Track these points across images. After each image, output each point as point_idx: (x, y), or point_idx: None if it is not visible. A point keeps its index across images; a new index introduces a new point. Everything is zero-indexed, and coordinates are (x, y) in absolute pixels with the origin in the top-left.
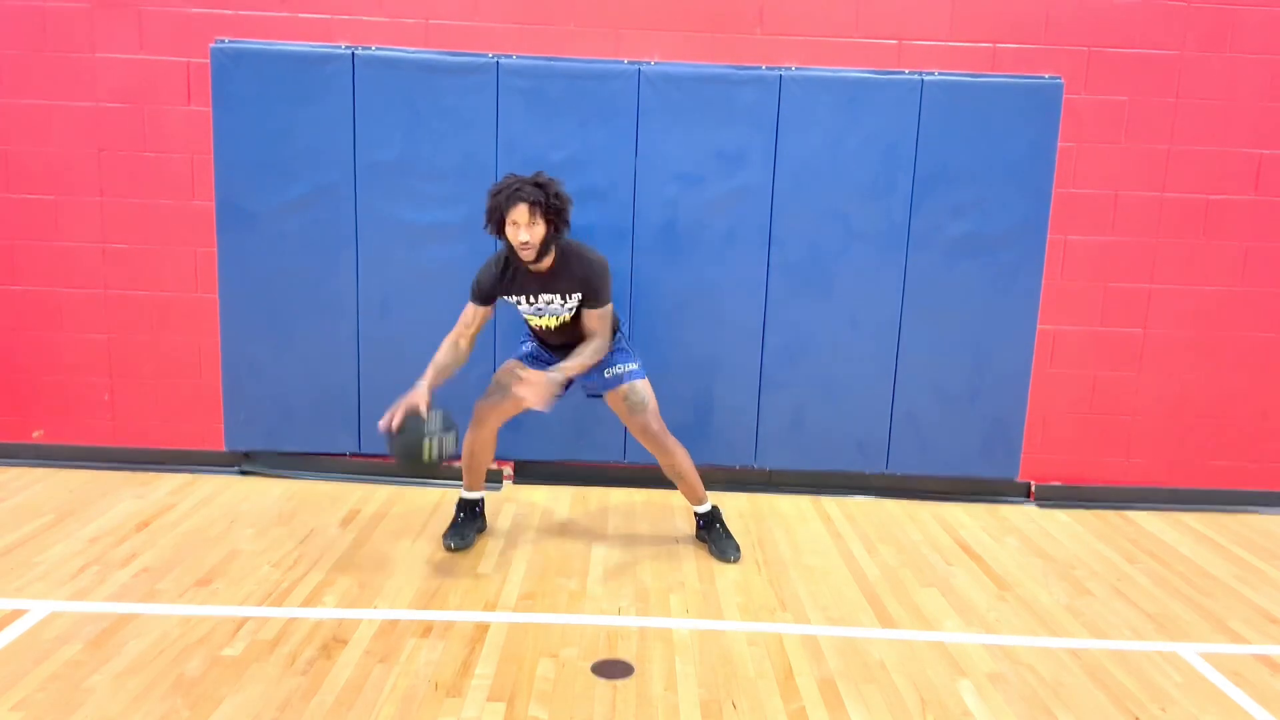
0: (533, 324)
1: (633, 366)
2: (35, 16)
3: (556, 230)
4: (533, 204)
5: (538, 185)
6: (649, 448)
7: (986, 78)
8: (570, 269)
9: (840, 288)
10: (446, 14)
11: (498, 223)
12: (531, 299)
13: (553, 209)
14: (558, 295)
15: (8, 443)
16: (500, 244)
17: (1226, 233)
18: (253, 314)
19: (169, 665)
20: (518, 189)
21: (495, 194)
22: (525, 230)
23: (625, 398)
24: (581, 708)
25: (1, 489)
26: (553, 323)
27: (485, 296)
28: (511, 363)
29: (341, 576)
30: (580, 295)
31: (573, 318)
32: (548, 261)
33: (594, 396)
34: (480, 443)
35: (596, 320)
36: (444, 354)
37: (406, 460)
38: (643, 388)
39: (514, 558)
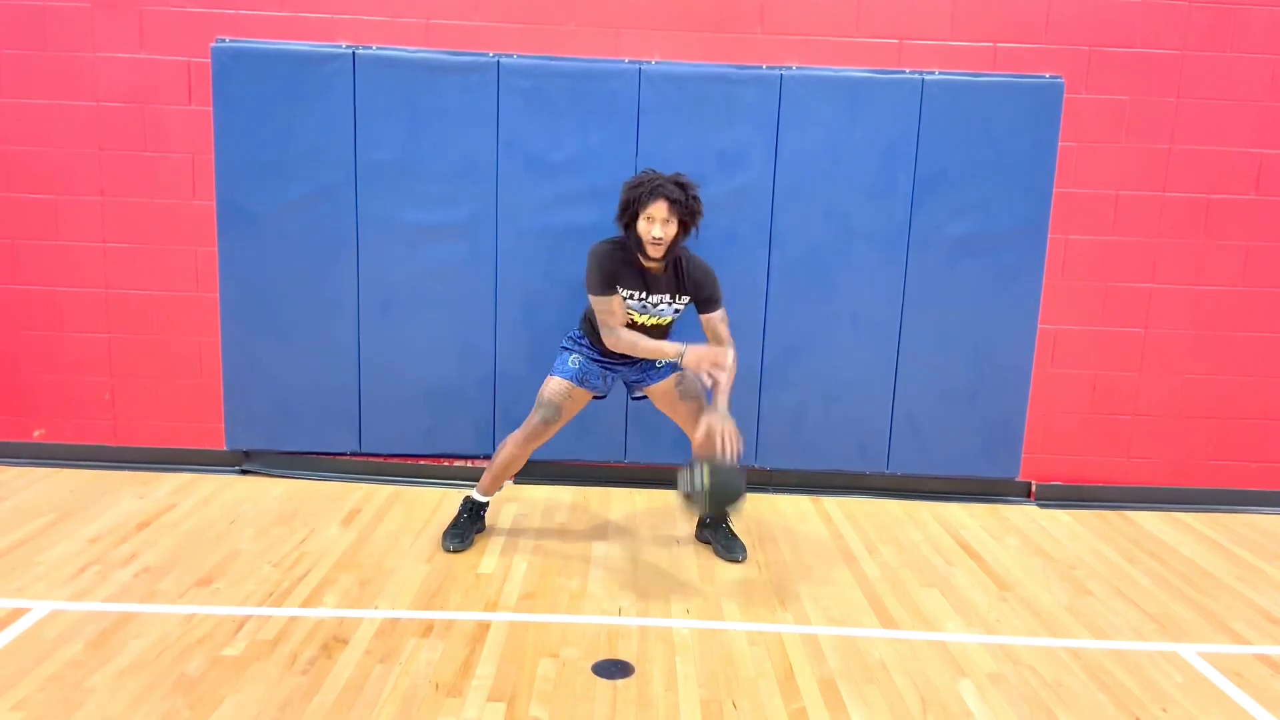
0: (632, 319)
1: (682, 365)
2: (35, 16)
3: (686, 234)
4: (673, 202)
5: (680, 185)
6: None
7: (987, 77)
8: (685, 272)
9: (841, 288)
10: (447, 13)
11: (632, 215)
12: (641, 295)
13: (689, 211)
14: (667, 295)
15: (8, 442)
16: (619, 233)
17: (1227, 233)
18: (253, 314)
19: (170, 665)
20: (660, 185)
21: (635, 186)
22: (660, 227)
23: (677, 383)
24: (582, 708)
25: (2, 489)
26: (650, 321)
27: (612, 286)
28: (563, 384)
29: (342, 576)
30: (688, 299)
31: (673, 319)
32: (664, 262)
33: (639, 399)
34: (523, 457)
35: (722, 324)
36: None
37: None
38: (693, 376)
39: (515, 557)
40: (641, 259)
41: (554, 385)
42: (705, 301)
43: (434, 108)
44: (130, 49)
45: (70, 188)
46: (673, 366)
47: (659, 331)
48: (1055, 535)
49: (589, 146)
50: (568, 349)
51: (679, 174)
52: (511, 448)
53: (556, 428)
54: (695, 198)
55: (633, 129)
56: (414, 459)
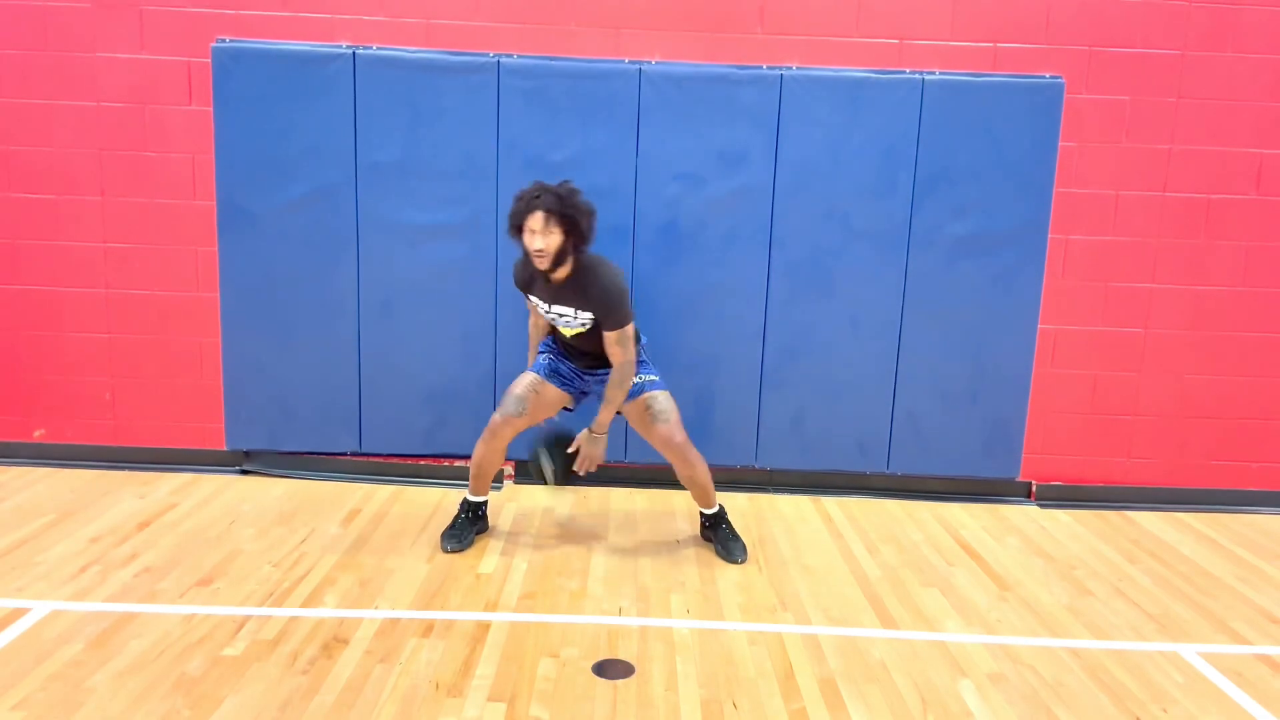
0: (556, 328)
1: (653, 378)
2: (36, 16)
3: (574, 242)
4: (548, 212)
5: (557, 194)
6: (672, 459)
7: (988, 77)
8: (584, 286)
9: (841, 287)
10: (447, 13)
11: (517, 228)
12: (546, 306)
13: (568, 219)
14: (571, 309)
15: (9, 442)
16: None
17: (1227, 232)
18: (253, 314)
19: (170, 665)
20: (536, 196)
21: (517, 199)
22: (540, 238)
23: (647, 407)
24: (582, 708)
25: (2, 489)
26: (569, 333)
27: (522, 287)
28: (530, 377)
29: (342, 576)
30: (592, 315)
31: (591, 329)
32: (564, 273)
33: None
34: (491, 454)
35: (615, 344)
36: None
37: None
38: (664, 399)
39: (515, 557)
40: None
41: (521, 380)
42: (602, 321)
43: (434, 108)
44: (130, 49)
45: (70, 188)
46: (640, 389)
47: (585, 339)
48: (1055, 535)
49: (589, 146)
50: (541, 351)
51: (565, 181)
52: (479, 446)
53: (520, 423)
54: (573, 204)
55: (633, 129)
56: (414, 459)
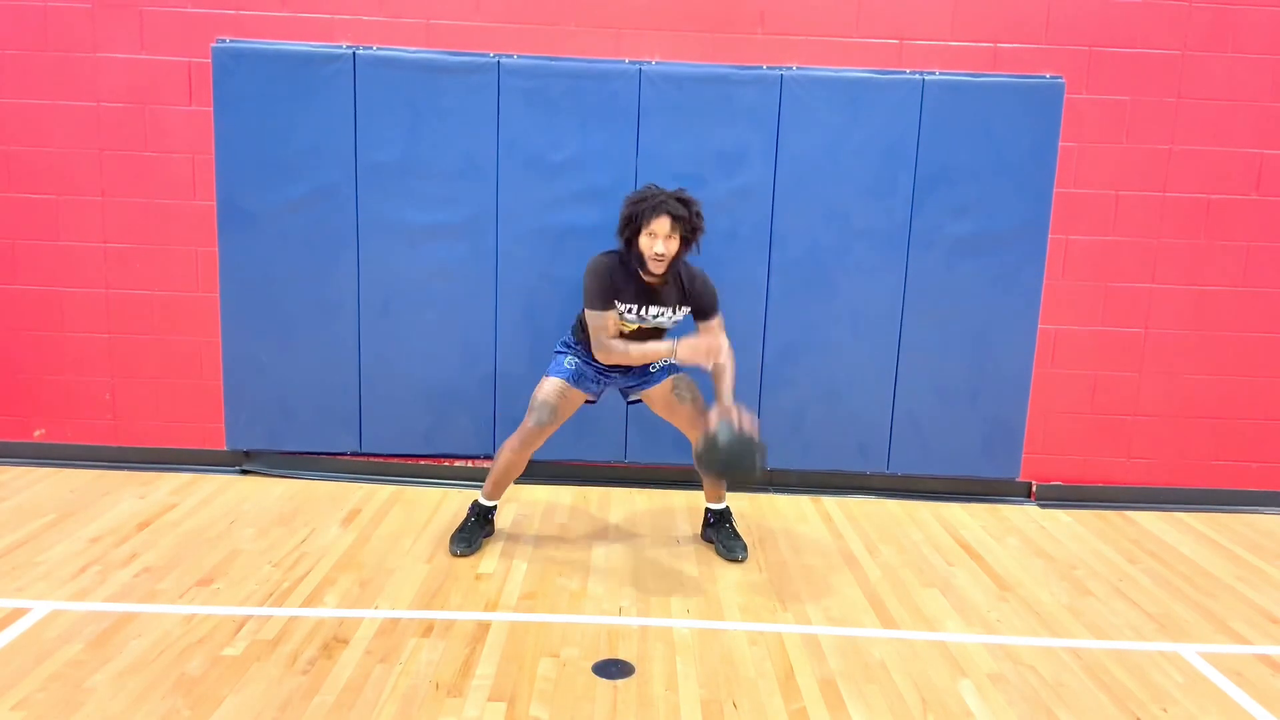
0: (624, 329)
1: (675, 361)
2: (36, 16)
3: (688, 249)
4: (676, 219)
5: (683, 201)
6: (696, 439)
7: (988, 77)
8: (682, 284)
9: (841, 288)
10: (447, 14)
11: (634, 231)
12: (641, 309)
13: (692, 228)
14: (668, 308)
15: (9, 442)
16: (619, 247)
17: (1228, 233)
18: (254, 314)
19: (170, 665)
20: (663, 201)
21: (637, 201)
22: (663, 243)
23: (674, 387)
24: (582, 708)
25: (2, 489)
26: (649, 328)
27: (611, 301)
28: (557, 383)
29: (342, 576)
30: (688, 309)
31: (676, 328)
32: (669, 276)
33: (634, 403)
34: (521, 462)
35: (720, 329)
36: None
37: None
38: (690, 381)
39: (515, 557)
40: (642, 273)
41: (549, 386)
42: (705, 312)
43: (434, 108)
44: (130, 49)
45: (70, 188)
46: (668, 370)
47: (652, 335)
48: (1055, 535)
49: (589, 147)
50: (562, 352)
51: (681, 189)
52: (508, 454)
53: (551, 430)
54: (698, 214)
55: (633, 129)
56: (414, 459)
